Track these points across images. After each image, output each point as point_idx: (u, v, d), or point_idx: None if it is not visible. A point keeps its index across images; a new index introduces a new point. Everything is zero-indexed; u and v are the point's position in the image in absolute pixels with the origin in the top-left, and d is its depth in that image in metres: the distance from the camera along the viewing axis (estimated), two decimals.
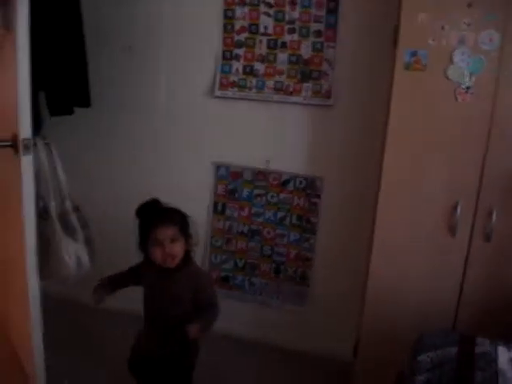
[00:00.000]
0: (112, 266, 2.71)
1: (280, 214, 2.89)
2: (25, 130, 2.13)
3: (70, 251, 2.25)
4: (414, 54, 2.15)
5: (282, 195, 2.86)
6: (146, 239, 2.05)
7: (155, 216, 2.06)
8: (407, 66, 2.16)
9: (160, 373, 2.14)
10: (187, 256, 2.08)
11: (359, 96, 2.67)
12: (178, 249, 2.01)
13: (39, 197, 2.25)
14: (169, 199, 2.95)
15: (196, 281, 2.08)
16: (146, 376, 2.18)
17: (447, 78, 2.13)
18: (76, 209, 2.33)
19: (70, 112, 2.67)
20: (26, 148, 2.13)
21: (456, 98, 2.14)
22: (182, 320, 1.97)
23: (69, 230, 2.28)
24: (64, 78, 2.58)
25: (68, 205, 2.31)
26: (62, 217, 2.29)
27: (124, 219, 2.99)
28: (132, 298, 2.69)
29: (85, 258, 2.31)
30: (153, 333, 2.14)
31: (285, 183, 2.85)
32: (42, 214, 2.32)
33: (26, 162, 2.15)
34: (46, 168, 2.26)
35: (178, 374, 2.18)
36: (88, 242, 2.34)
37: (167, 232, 2.00)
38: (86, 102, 2.72)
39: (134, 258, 2.19)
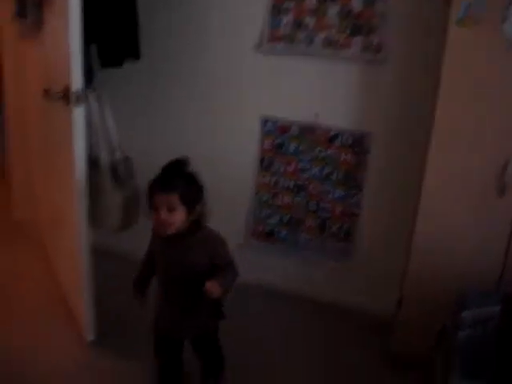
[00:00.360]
0: None
1: (326, 170, 2.88)
2: (76, 81, 2.19)
3: (118, 201, 2.31)
4: (468, 6, 2.07)
5: (329, 151, 2.85)
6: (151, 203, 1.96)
7: (157, 181, 1.97)
8: (461, 20, 2.09)
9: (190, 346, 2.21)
10: (197, 223, 2.02)
11: (411, 51, 2.60)
12: (174, 218, 1.91)
13: (90, 147, 2.31)
14: (215, 153, 3.00)
15: (209, 245, 2.03)
16: (174, 354, 2.21)
17: (503, 32, 2.06)
18: (125, 160, 2.39)
19: (120, 63, 2.70)
20: (78, 99, 2.19)
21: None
22: (202, 288, 1.90)
23: (118, 180, 2.34)
24: (115, 31, 2.61)
25: (118, 155, 2.37)
26: (111, 167, 2.35)
27: None
28: None
29: (133, 208, 2.36)
30: (175, 306, 2.09)
31: (332, 139, 2.83)
32: (92, 165, 2.39)
33: (78, 113, 2.21)
34: (96, 119, 2.32)
35: (206, 343, 2.23)
36: (135, 193, 2.39)
37: (164, 199, 1.90)
38: (135, 54, 2.75)
39: None
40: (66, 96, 2.23)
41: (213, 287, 1.87)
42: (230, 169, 3.02)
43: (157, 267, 2.09)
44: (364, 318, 2.92)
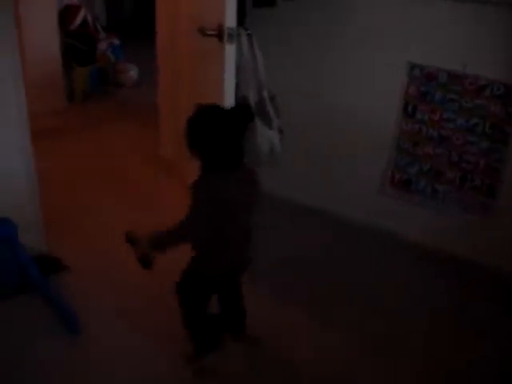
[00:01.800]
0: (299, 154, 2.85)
1: (472, 121, 2.79)
2: (229, 19, 2.29)
3: (265, 137, 2.41)
4: None
5: (476, 101, 2.75)
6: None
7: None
8: None
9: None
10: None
11: None
12: None
13: (238, 86, 2.42)
14: (358, 98, 3.01)
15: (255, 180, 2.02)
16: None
17: None
18: (272, 98, 2.47)
19: (273, 3, 2.75)
20: (230, 37, 2.30)
21: None
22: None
23: (264, 117, 2.43)
24: None
25: (265, 94, 2.45)
26: (259, 105, 2.45)
27: (312, 114, 3.12)
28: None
29: (277, 145, 2.46)
30: (237, 250, 2.05)
31: (481, 89, 2.72)
32: (241, 102, 2.50)
33: (229, 50, 2.32)
34: (247, 58, 2.41)
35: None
36: (280, 131, 2.48)
37: None
38: None
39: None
40: (219, 34, 2.34)
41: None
42: (373, 114, 3.01)
43: (225, 218, 1.93)
44: (495, 276, 2.86)
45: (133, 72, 5.99)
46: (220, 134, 1.83)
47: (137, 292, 2.58)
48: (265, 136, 2.40)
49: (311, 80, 3.14)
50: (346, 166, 3.18)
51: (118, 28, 6.68)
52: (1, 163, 2.54)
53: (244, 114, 1.93)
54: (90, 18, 5.65)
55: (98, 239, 3.03)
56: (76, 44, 5.32)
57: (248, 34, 2.42)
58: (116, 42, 5.90)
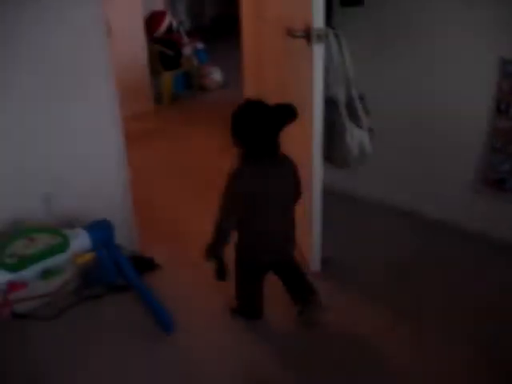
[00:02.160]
0: (386, 156, 2.81)
1: None
2: (318, 20, 2.28)
3: (355, 136, 2.39)
4: None
5: None
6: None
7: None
8: None
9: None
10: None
11: None
12: None
13: (328, 85, 2.40)
14: (447, 97, 2.92)
15: (292, 171, 2.24)
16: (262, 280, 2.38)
17: None
18: (361, 97, 2.44)
19: (361, 2, 2.71)
20: (318, 38, 2.28)
21: None
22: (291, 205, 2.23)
23: (354, 116, 2.41)
24: None
25: (354, 93, 2.42)
26: (348, 104, 2.42)
27: (401, 113, 3.06)
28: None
29: (367, 145, 2.42)
30: (277, 234, 2.26)
31: None
32: (329, 102, 2.49)
33: (318, 51, 2.31)
34: (336, 57, 2.39)
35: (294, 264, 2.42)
36: (370, 130, 2.45)
37: None
38: None
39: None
40: (307, 35, 2.34)
41: None
42: (463, 112, 2.92)
43: (256, 206, 2.16)
44: None
45: (217, 75, 6.11)
46: (258, 127, 2.05)
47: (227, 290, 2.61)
48: (355, 136, 2.38)
49: (399, 78, 3.07)
50: (435, 165, 3.10)
51: (200, 31, 6.82)
52: (97, 165, 2.66)
53: (285, 111, 2.08)
54: (174, 24, 5.80)
55: (188, 239, 3.09)
56: (162, 49, 5.47)
57: (335, 34, 2.40)
58: (200, 45, 6.03)
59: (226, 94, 5.80)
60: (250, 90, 3.85)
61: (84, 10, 2.38)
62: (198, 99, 5.78)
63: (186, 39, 5.92)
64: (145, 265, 2.81)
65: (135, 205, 2.89)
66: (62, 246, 2.20)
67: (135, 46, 5.01)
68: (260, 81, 3.66)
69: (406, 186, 3.25)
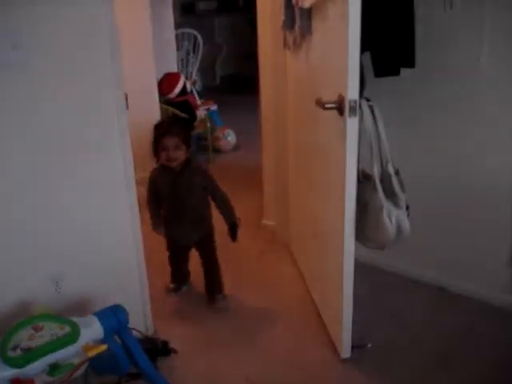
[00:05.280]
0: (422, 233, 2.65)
1: None
2: (352, 91, 2.12)
3: (392, 216, 2.20)
4: None
5: None
6: (157, 146, 2.77)
7: (164, 128, 2.80)
8: None
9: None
10: (188, 160, 2.80)
11: None
12: (179, 153, 2.74)
13: (359, 160, 2.24)
14: (481, 172, 2.74)
15: (200, 173, 2.85)
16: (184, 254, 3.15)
17: None
18: (397, 172, 2.27)
19: (397, 72, 2.57)
20: (352, 110, 2.13)
21: None
22: (200, 208, 2.90)
23: (390, 194, 2.23)
24: (392, 37, 2.49)
25: (390, 168, 2.25)
26: (383, 180, 2.25)
27: (432, 184, 2.89)
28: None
29: (405, 225, 2.23)
30: (181, 224, 2.90)
31: None
32: (363, 178, 2.31)
33: (351, 124, 2.15)
34: (370, 130, 2.23)
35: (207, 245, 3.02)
36: (407, 207, 2.26)
37: (172, 141, 2.72)
38: (411, 62, 2.57)
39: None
40: (339, 106, 2.19)
41: (234, 234, 2.89)
42: (497, 184, 2.75)
43: (166, 199, 2.89)
44: None
45: (230, 138, 6.02)
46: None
47: None
48: (393, 215, 2.19)
49: (431, 151, 2.91)
50: (473, 242, 2.90)
51: (211, 91, 6.78)
52: (110, 242, 2.50)
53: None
54: (188, 85, 5.72)
55: (203, 318, 2.92)
56: (176, 112, 5.37)
57: (370, 106, 2.24)
58: (214, 107, 5.94)
59: (239, 157, 5.71)
60: (269, 155, 3.72)
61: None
62: (212, 162, 5.64)
63: (199, 101, 5.84)
64: (159, 349, 2.60)
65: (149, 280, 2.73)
66: (71, 337, 1.98)
67: (149, 107, 4.89)
68: (279, 145, 3.55)
69: (430, 258, 3.07)
